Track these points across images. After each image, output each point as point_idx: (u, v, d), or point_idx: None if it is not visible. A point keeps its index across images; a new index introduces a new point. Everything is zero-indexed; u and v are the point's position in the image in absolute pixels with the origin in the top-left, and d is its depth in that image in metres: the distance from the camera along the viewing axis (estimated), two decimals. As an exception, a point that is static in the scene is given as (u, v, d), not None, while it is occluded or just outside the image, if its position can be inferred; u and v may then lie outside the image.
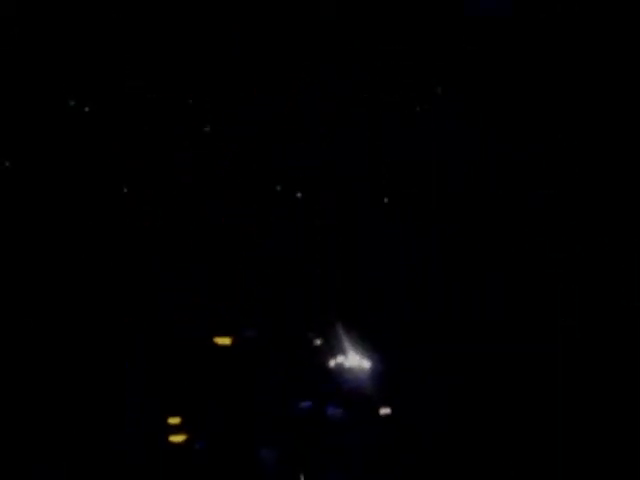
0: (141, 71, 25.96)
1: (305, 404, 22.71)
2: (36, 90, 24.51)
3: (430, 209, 27.63)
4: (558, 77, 33.18)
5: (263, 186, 23.42)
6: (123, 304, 18.58)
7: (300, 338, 25.55)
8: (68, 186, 21.46)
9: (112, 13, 26.31)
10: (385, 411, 26.78)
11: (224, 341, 26.23)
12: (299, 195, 22.24)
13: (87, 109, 24.31)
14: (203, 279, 19.99)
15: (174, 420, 19.13)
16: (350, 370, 26.51)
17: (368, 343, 23.94)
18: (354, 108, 30.51)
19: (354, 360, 26.16)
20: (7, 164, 21.48)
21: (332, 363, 25.22)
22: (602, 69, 32.20)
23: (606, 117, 31.15)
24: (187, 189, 22.73)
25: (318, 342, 27.03)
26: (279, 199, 22.47)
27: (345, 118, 29.74)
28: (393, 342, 21.91)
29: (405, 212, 25.43)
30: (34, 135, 22.71)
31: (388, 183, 26.84)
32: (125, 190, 20.41)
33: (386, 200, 23.55)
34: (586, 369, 23.15)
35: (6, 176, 21.07)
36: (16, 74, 24.54)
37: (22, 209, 20.65)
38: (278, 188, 23.13)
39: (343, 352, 26.62)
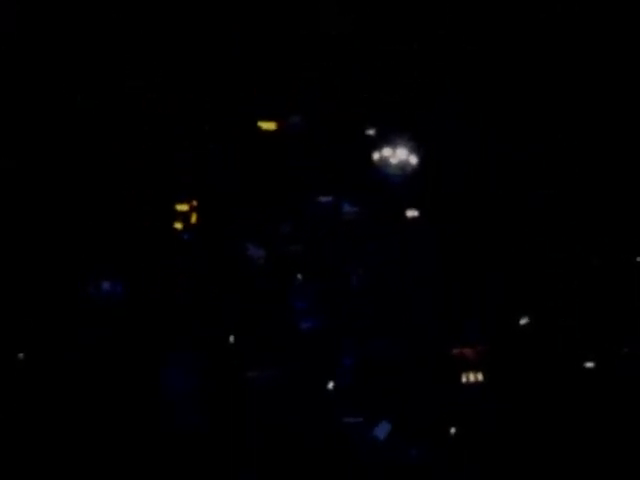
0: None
1: (325, 199, 31.07)
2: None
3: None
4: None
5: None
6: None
7: (351, 127, 33.02)
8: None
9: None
10: (413, 214, 35.35)
11: (269, 126, 34.99)
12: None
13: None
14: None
15: (182, 207, 28.43)
16: (396, 165, 34.64)
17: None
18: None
19: (402, 154, 34.17)
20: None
21: (377, 156, 33.33)
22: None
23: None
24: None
25: (371, 132, 34.62)
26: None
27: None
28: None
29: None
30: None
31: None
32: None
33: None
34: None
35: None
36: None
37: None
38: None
39: (392, 144, 34.45)
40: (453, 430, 25.21)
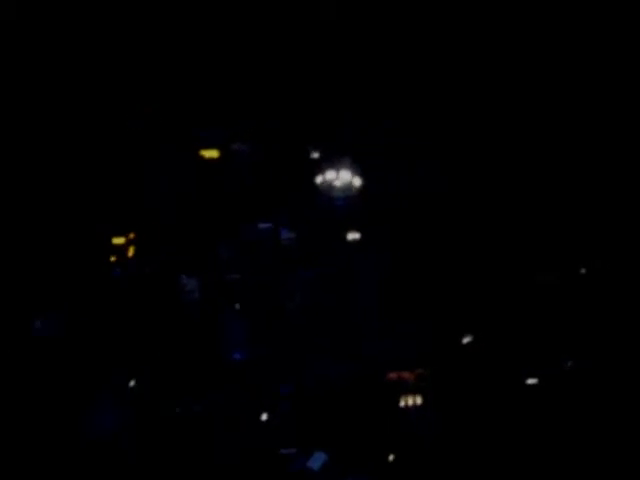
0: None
1: (264, 225, 30.43)
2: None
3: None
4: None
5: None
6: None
7: (295, 152, 32.67)
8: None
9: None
10: (354, 236, 34.67)
11: (211, 154, 34.61)
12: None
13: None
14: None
15: (118, 240, 27.53)
16: (340, 188, 34.14)
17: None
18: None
19: (346, 177, 33.70)
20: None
21: (320, 179, 32.82)
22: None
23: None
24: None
25: (315, 155, 34.34)
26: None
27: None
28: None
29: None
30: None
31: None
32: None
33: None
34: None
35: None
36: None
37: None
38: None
39: (335, 168, 34.00)
40: (392, 457, 24.46)
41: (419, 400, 25.72)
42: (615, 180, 30.75)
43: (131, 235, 29.37)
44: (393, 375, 26.16)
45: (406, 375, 26.13)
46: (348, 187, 32.39)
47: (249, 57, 34.15)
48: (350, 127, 32.24)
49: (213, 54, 34.36)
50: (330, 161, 32.97)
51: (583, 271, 28.59)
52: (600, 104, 32.11)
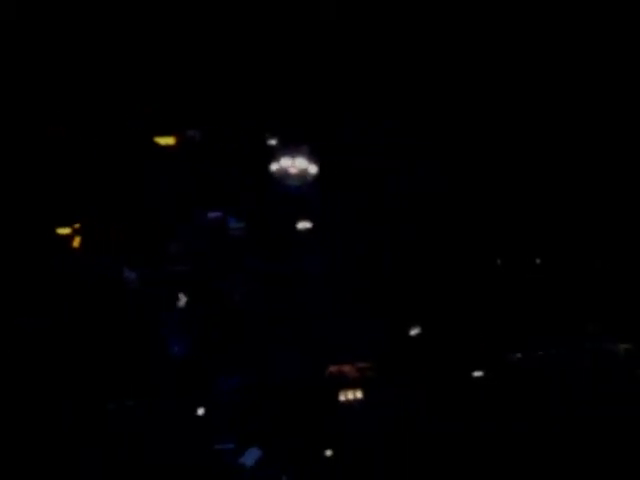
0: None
1: (214, 214, 29.76)
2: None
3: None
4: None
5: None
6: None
7: (252, 137, 31.95)
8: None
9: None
10: (305, 225, 34.11)
11: (167, 141, 33.71)
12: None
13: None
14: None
15: (63, 230, 26.94)
16: (295, 176, 33.41)
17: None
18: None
19: (302, 164, 33.03)
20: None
21: (275, 167, 32.09)
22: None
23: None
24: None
25: (273, 142, 33.62)
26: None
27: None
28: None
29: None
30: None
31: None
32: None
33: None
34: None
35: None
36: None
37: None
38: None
39: (291, 155, 33.30)
40: (329, 452, 23.86)
41: (359, 394, 25.08)
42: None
43: (76, 225, 28.89)
44: (334, 368, 25.51)
45: (347, 368, 25.48)
46: (303, 175, 31.71)
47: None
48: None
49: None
50: (285, 148, 32.32)
51: (538, 261, 27.85)
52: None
